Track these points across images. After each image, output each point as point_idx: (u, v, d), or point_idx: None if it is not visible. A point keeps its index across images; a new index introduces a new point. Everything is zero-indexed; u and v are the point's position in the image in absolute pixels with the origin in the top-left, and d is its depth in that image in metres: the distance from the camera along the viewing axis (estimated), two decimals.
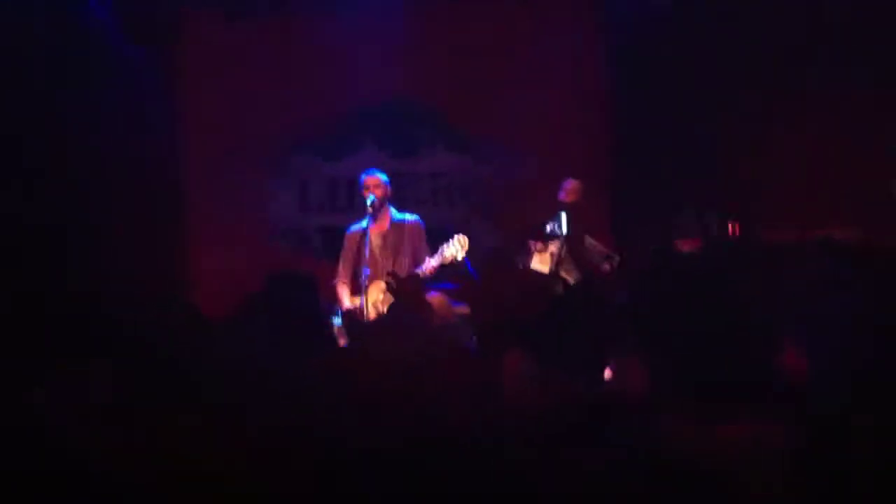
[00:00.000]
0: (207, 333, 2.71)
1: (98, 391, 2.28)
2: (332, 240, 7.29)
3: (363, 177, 6.35)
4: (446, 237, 5.97)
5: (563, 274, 6.14)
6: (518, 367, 2.90)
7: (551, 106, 7.87)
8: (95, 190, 7.43)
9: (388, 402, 2.17)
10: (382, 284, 6.06)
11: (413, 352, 2.40)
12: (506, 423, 2.21)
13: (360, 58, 7.73)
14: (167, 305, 2.96)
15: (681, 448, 1.97)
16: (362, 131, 8.16)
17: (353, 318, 6.01)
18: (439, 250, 5.91)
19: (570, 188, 6.48)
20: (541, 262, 6.20)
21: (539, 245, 6.24)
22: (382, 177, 6.30)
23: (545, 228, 6.30)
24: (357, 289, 6.15)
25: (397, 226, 6.25)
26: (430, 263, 5.87)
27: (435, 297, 5.45)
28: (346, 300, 6.21)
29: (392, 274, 5.48)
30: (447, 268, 5.92)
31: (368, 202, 6.17)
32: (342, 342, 5.88)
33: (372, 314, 6.01)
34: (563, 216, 6.24)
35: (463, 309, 5.21)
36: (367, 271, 6.01)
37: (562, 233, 6.19)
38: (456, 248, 5.84)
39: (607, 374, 2.78)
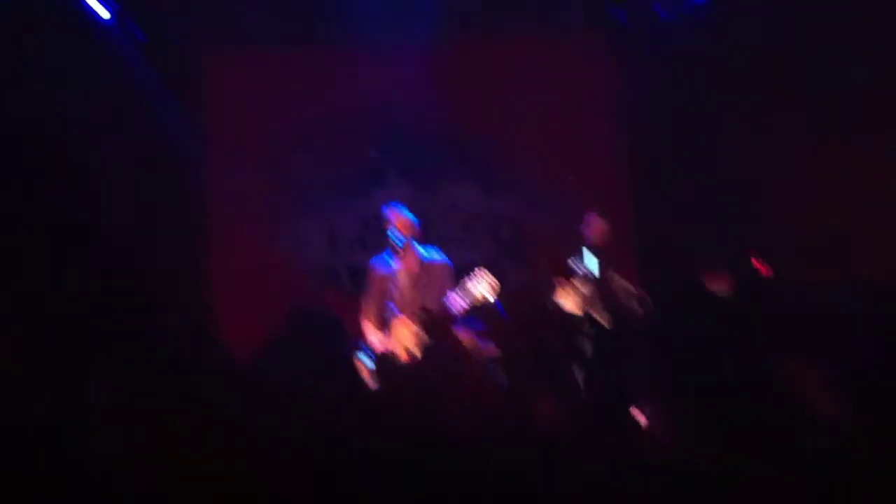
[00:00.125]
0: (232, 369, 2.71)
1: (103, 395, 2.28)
2: (360, 276, 7.31)
3: (391, 216, 6.36)
4: (474, 277, 5.97)
5: (591, 312, 6.11)
6: (548, 408, 2.89)
7: (578, 143, 7.89)
8: (126, 233, 7.52)
9: (417, 441, 2.17)
10: (409, 322, 6.06)
11: (444, 391, 2.40)
12: (538, 461, 2.20)
13: (390, 93, 7.79)
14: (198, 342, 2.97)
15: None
16: (390, 168, 8.20)
17: (383, 358, 6.00)
18: (467, 289, 5.91)
19: (595, 225, 6.46)
20: (568, 301, 6.18)
21: (566, 284, 6.22)
22: (409, 215, 6.32)
23: (572, 267, 6.28)
24: (384, 326, 6.15)
25: (425, 264, 6.25)
26: (458, 302, 5.87)
27: (463, 336, 5.44)
28: (373, 338, 6.20)
29: (424, 311, 5.48)
30: (476, 306, 5.90)
31: (395, 240, 6.19)
32: (371, 382, 5.88)
33: (399, 352, 6.00)
34: (591, 254, 6.22)
35: (491, 347, 5.19)
36: (394, 310, 6.02)
37: (589, 271, 6.17)
38: (485, 287, 5.83)
39: (637, 415, 2.76)
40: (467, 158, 8.19)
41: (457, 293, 5.97)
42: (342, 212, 8.22)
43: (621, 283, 6.23)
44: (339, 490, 2.01)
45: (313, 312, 4.19)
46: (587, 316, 6.07)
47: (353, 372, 3.72)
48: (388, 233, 6.30)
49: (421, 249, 6.35)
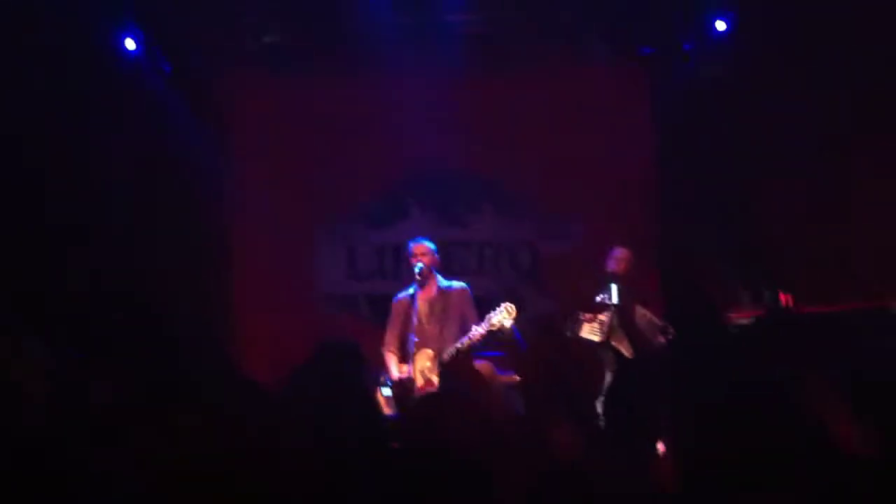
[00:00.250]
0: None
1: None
2: (380, 306, 7.29)
3: (411, 245, 6.36)
4: (494, 305, 5.94)
5: (614, 343, 6.04)
6: (567, 439, 2.83)
7: (600, 173, 7.85)
8: (148, 254, 7.56)
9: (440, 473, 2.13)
10: (430, 352, 6.03)
11: (462, 419, 2.35)
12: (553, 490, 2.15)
13: (410, 123, 7.80)
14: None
15: None
16: (410, 198, 8.20)
17: (403, 387, 5.97)
18: (486, 318, 5.88)
19: (619, 257, 6.40)
20: (590, 332, 6.12)
21: (588, 315, 6.16)
22: (430, 245, 6.31)
23: (595, 298, 6.22)
24: (405, 356, 6.12)
25: (444, 293, 6.23)
26: (478, 331, 5.85)
27: (482, 365, 5.39)
28: (394, 368, 6.17)
29: (443, 340, 5.46)
30: (495, 335, 5.87)
31: (416, 270, 6.17)
32: (390, 412, 5.85)
33: (419, 382, 5.96)
34: (614, 286, 6.16)
35: (510, 377, 5.15)
36: (414, 339, 5.98)
37: (612, 302, 6.11)
38: (504, 315, 5.81)
39: (660, 448, 2.70)
40: (489, 189, 8.16)
41: (476, 321, 5.93)
42: (362, 240, 8.21)
43: (644, 313, 6.16)
44: None
45: (332, 340, 4.16)
46: (608, 345, 6.01)
47: (371, 400, 3.69)
48: (409, 261, 6.30)
49: (441, 278, 6.33)
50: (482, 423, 2.43)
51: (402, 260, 7.48)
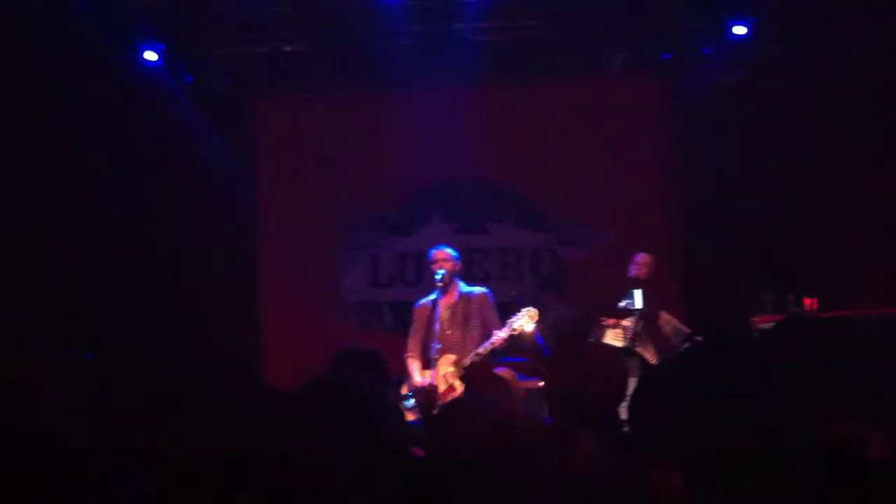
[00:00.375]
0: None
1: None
2: (402, 313, 7.31)
3: (432, 252, 6.37)
4: (515, 311, 5.94)
5: (638, 349, 6.02)
6: (589, 448, 2.82)
7: (621, 181, 7.84)
8: (173, 266, 7.63)
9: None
10: (452, 357, 6.04)
11: (485, 430, 2.35)
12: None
13: (431, 134, 7.82)
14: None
15: None
16: (431, 206, 8.22)
17: (425, 394, 5.98)
18: (508, 322, 5.89)
19: (641, 262, 6.38)
20: (614, 338, 6.10)
21: (611, 321, 6.15)
22: (451, 252, 6.31)
23: (619, 304, 6.21)
24: (427, 362, 6.13)
25: (466, 298, 6.23)
26: (499, 335, 5.85)
27: (504, 372, 5.39)
28: (417, 374, 6.18)
29: (466, 346, 5.47)
30: (517, 340, 5.87)
31: (438, 276, 6.18)
32: (413, 418, 5.86)
33: (442, 387, 5.97)
34: (638, 292, 6.14)
35: (532, 383, 5.15)
36: (436, 345, 5.99)
37: (636, 308, 6.09)
38: (525, 320, 5.82)
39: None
40: (511, 199, 8.17)
41: (499, 328, 5.94)
42: (385, 248, 8.23)
43: (670, 319, 6.13)
44: None
45: (353, 347, 4.18)
46: (632, 351, 5.99)
47: (392, 406, 3.69)
48: (430, 268, 6.32)
49: (462, 284, 6.34)
50: (503, 429, 2.43)
51: (423, 267, 7.50)
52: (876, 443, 2.17)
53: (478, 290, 6.32)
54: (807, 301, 6.85)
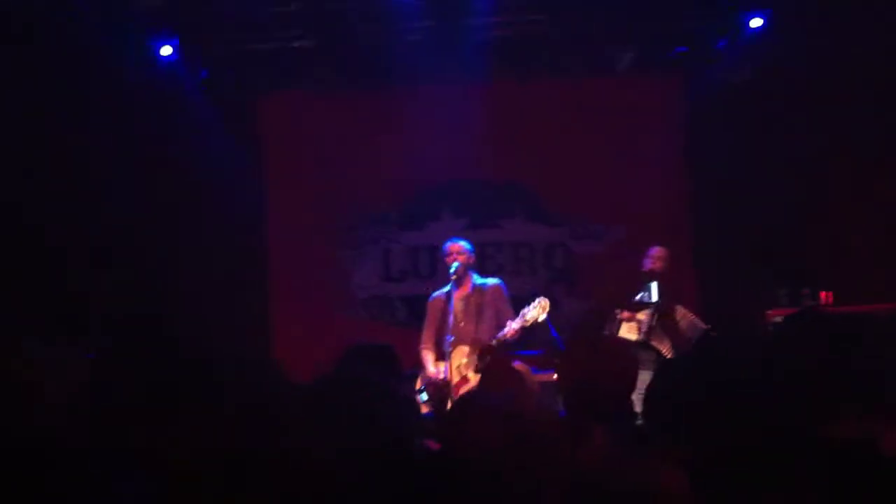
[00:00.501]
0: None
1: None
2: (415, 307, 7.32)
3: (447, 244, 6.38)
4: (528, 303, 5.95)
5: (654, 343, 6.01)
6: (605, 442, 2.82)
7: (633, 175, 7.81)
8: (183, 262, 7.66)
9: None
10: (466, 349, 6.06)
11: (499, 431, 2.35)
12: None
13: (441, 131, 7.82)
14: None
15: None
16: (443, 200, 8.22)
17: (438, 387, 6.00)
18: (521, 313, 5.89)
19: (655, 255, 6.37)
20: (629, 331, 6.09)
21: (626, 314, 6.14)
22: (465, 244, 6.33)
23: (634, 297, 6.20)
24: (441, 355, 6.15)
25: (479, 290, 6.25)
26: (512, 326, 5.87)
27: (518, 366, 5.40)
28: (431, 365, 6.21)
29: (479, 338, 5.48)
30: (531, 333, 5.88)
31: (452, 269, 6.20)
32: (426, 410, 5.88)
33: (455, 379, 5.99)
34: (654, 285, 6.13)
35: (546, 376, 5.15)
36: (450, 338, 6.00)
37: (652, 300, 6.07)
38: (538, 310, 5.82)
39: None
40: (522, 196, 8.16)
41: (512, 319, 5.94)
42: (396, 242, 8.24)
43: (686, 313, 6.11)
44: None
45: (365, 343, 4.18)
46: (647, 344, 5.98)
47: (405, 400, 3.69)
48: (445, 261, 6.33)
49: (476, 276, 6.35)
50: (517, 423, 2.43)
51: (436, 261, 7.51)
52: (891, 438, 2.16)
53: (491, 281, 6.34)
54: (822, 294, 6.83)
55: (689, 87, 7.92)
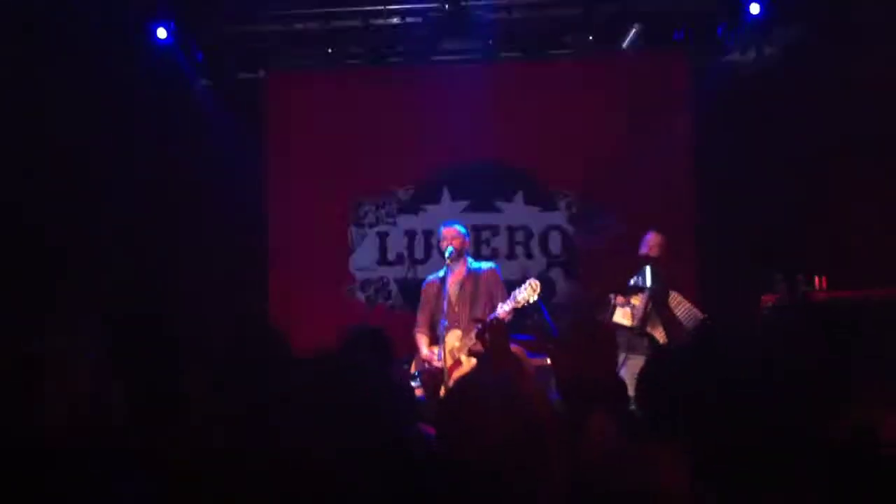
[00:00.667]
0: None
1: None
2: (410, 291, 7.32)
3: (441, 229, 6.39)
4: (521, 284, 5.94)
5: (648, 329, 6.00)
6: (602, 428, 2.82)
7: (635, 161, 7.75)
8: (181, 249, 7.66)
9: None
10: (459, 332, 6.06)
11: (496, 404, 2.34)
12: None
13: (442, 113, 7.79)
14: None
15: None
16: (441, 184, 8.20)
17: (431, 372, 6.01)
18: (512, 295, 5.88)
19: (653, 242, 6.34)
20: (623, 316, 6.07)
21: (621, 299, 6.12)
22: (461, 228, 6.33)
23: (629, 282, 6.18)
24: (436, 338, 6.16)
25: (473, 274, 6.25)
26: (504, 308, 5.84)
27: (514, 349, 5.39)
28: (424, 348, 6.22)
29: (474, 322, 5.47)
30: (524, 316, 5.87)
31: (446, 253, 6.20)
32: (420, 394, 5.88)
33: (448, 362, 5.99)
34: (648, 269, 6.11)
35: (541, 360, 5.14)
36: (444, 322, 6.01)
37: (646, 285, 6.05)
38: (529, 292, 5.81)
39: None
40: (522, 178, 8.14)
41: (506, 302, 5.93)
42: (393, 226, 8.23)
43: (682, 300, 6.09)
44: None
45: (358, 326, 4.17)
46: (642, 331, 5.96)
47: (397, 385, 3.69)
48: (439, 245, 6.33)
49: (471, 260, 6.35)
50: (515, 410, 2.42)
51: (432, 245, 7.50)
52: (891, 424, 2.17)
53: (486, 265, 6.34)
54: (817, 280, 6.82)
55: (697, 72, 7.88)
